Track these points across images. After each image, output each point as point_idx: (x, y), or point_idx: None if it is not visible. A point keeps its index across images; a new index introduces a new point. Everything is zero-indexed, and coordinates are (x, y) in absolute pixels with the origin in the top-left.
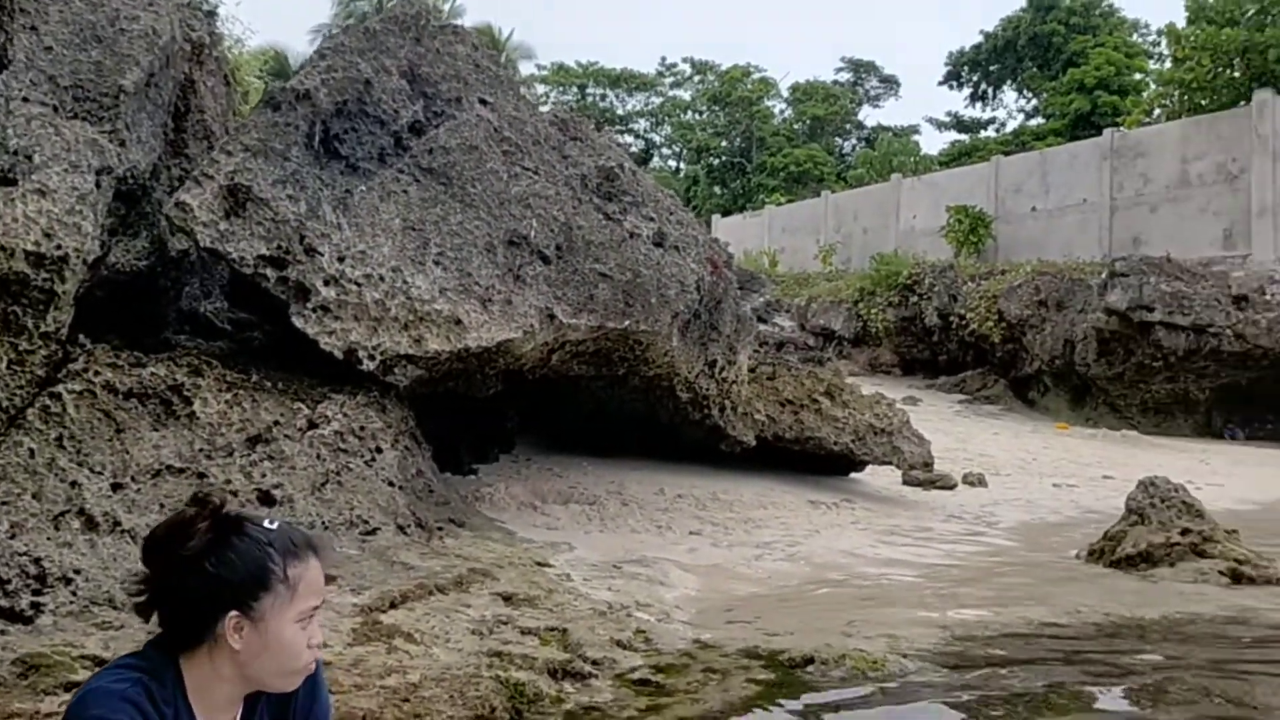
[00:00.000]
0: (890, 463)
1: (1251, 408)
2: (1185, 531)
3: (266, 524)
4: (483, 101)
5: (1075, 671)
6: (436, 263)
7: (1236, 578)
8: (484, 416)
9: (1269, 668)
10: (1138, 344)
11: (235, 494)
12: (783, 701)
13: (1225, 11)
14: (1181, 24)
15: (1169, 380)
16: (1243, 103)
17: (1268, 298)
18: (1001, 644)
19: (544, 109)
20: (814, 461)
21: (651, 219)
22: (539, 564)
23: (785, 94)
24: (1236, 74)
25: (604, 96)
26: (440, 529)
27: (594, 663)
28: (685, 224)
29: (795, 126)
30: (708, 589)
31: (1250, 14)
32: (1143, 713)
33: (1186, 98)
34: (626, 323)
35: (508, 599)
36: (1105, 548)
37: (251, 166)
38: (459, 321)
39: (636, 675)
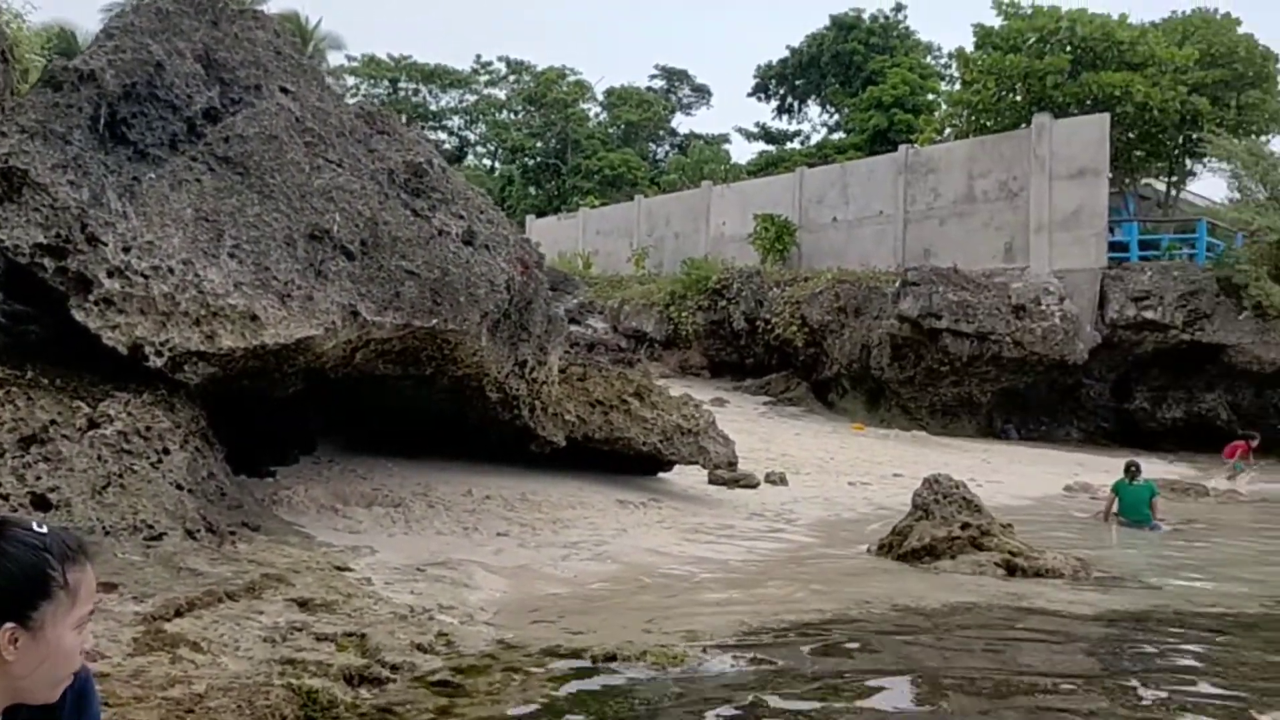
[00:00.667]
0: (697, 462)
1: (1027, 410)
2: (965, 526)
3: (36, 527)
4: (284, 90)
5: (865, 659)
6: (232, 255)
7: (1011, 569)
8: (283, 417)
9: (1037, 648)
10: (927, 349)
11: (6, 498)
12: (582, 697)
13: (1009, 38)
14: (970, 48)
15: (955, 384)
16: (1024, 125)
17: (1043, 308)
18: (796, 634)
19: (352, 101)
20: (623, 462)
21: (461, 217)
22: (338, 568)
23: (600, 98)
24: (1018, 98)
25: (416, 91)
26: (233, 533)
27: (392, 667)
28: (496, 223)
29: (610, 130)
30: (514, 590)
31: (1031, 42)
32: (920, 694)
33: (974, 118)
34: (434, 321)
35: (303, 605)
36: (893, 542)
37: (29, 149)
38: (255, 317)
39: (436, 678)
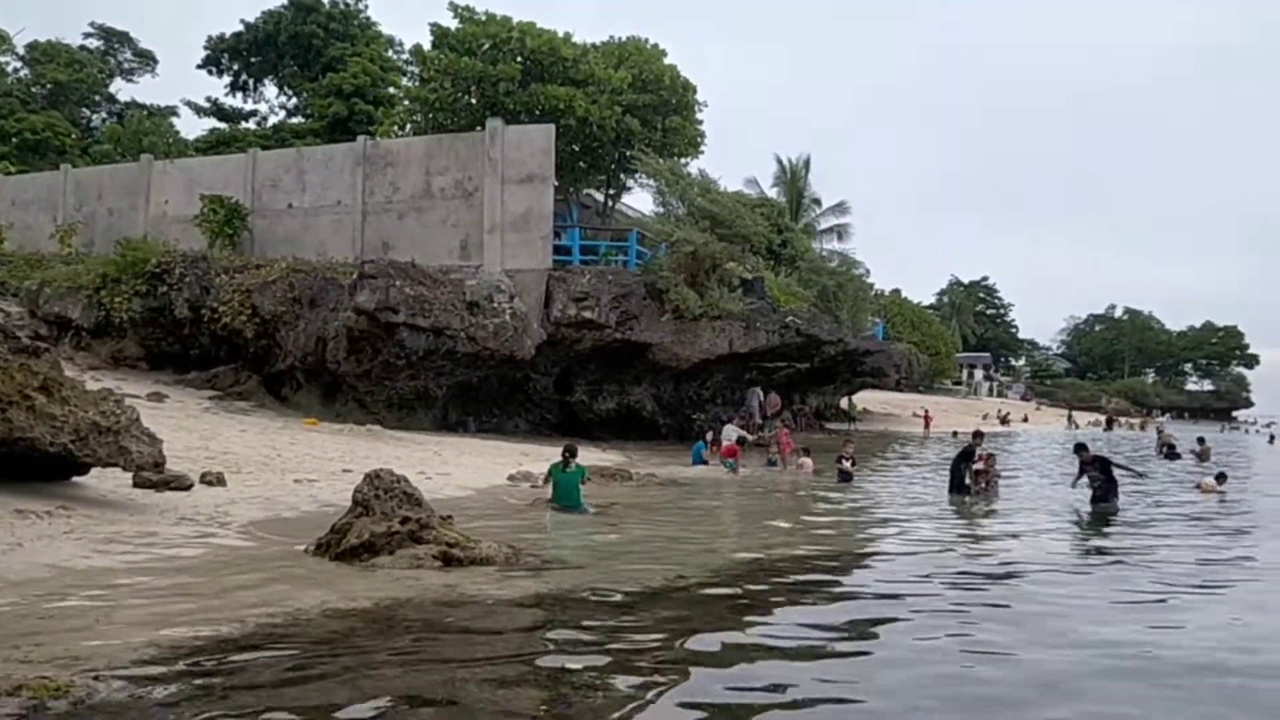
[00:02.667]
0: (117, 464)
1: (480, 403)
2: (405, 520)
3: None
4: None
5: (284, 673)
6: None
7: (448, 560)
8: None
9: (465, 637)
10: (384, 343)
11: None
12: None
13: (465, 41)
14: (428, 47)
15: (412, 378)
16: (479, 127)
17: (495, 305)
18: (210, 653)
19: None
20: (27, 465)
21: None
22: None
23: (21, 51)
24: (474, 100)
25: None
26: None
27: None
28: None
29: (33, 89)
30: None
31: (485, 48)
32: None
33: (432, 116)
34: None
35: None
36: (332, 541)
37: None
38: None
39: None
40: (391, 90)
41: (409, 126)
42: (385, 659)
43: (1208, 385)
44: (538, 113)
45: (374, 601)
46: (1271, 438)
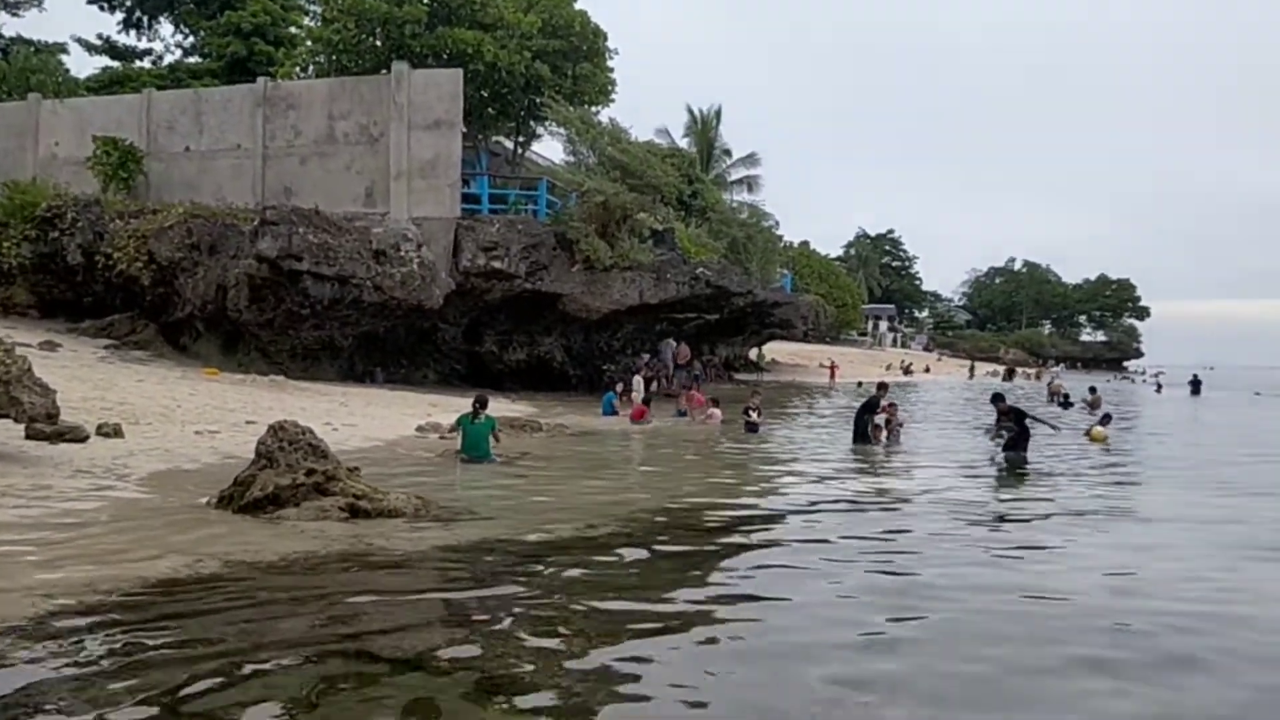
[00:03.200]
0: (8, 415)
1: (388, 354)
2: (311, 472)
3: None
4: None
5: (180, 630)
6: None
7: (355, 512)
8: None
9: (372, 590)
10: (287, 292)
11: None
12: None
13: None
14: None
15: (316, 327)
16: (384, 71)
17: (402, 254)
18: (108, 610)
19: None
20: None
21: None
22: None
23: None
24: (378, 43)
25: None
26: None
27: None
28: None
29: None
30: None
31: None
32: (232, 662)
33: (335, 58)
34: None
35: None
36: (235, 493)
37: None
38: None
39: None
40: (293, 30)
41: (311, 68)
42: (290, 611)
43: (1101, 336)
44: (445, 57)
45: (279, 555)
46: (1159, 386)
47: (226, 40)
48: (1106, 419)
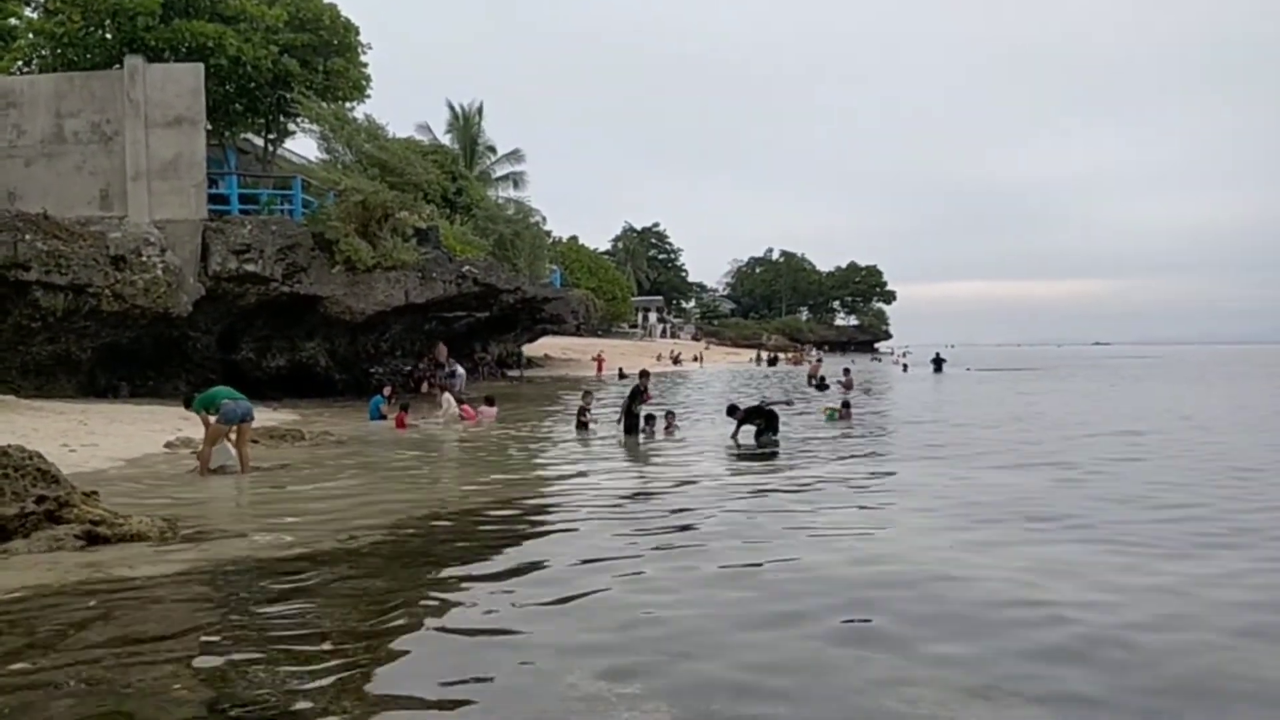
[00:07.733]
0: None
1: (134, 366)
2: (41, 500)
3: None
4: None
5: None
6: None
7: (93, 539)
8: None
9: (113, 620)
10: (15, 304)
11: None
12: None
13: None
14: None
15: (50, 341)
16: (117, 65)
17: (144, 259)
18: None
19: None
20: None
21: None
22: None
23: None
24: (109, 35)
25: None
26: None
27: None
28: None
29: None
30: None
31: None
32: None
33: (60, 52)
34: None
35: None
36: None
37: None
38: None
39: None
40: (13, 21)
41: (34, 63)
42: (9, 657)
43: (853, 320)
44: (184, 51)
45: (4, 591)
46: (905, 366)
47: None
48: (846, 405)
